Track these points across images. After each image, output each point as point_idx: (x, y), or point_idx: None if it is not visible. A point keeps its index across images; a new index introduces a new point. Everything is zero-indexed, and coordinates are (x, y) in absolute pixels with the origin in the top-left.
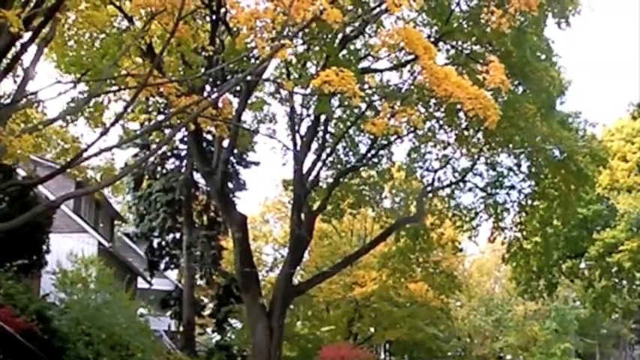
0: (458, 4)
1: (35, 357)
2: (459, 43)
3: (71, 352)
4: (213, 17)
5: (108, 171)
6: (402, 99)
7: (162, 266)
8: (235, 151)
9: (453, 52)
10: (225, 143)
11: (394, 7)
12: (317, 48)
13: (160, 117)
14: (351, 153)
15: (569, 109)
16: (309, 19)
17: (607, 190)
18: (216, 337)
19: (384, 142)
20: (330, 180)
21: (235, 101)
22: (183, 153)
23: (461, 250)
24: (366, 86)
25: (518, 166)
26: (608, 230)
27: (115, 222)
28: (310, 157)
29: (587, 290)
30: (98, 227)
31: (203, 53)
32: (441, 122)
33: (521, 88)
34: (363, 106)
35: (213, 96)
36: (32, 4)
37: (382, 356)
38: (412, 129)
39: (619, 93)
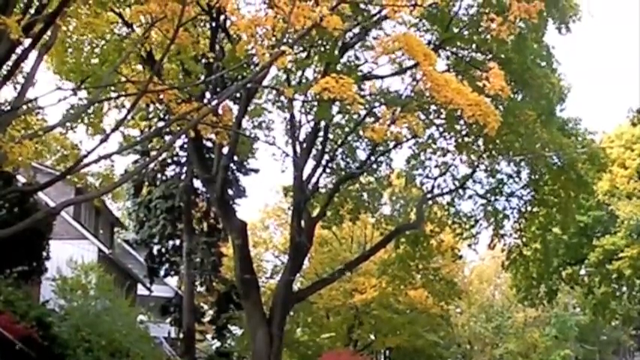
0: (457, 13)
1: None
2: (460, 49)
3: (71, 359)
4: (214, 24)
5: (108, 178)
6: (402, 105)
7: (162, 273)
8: (235, 158)
9: (453, 58)
10: (225, 150)
11: (393, 14)
12: (317, 57)
13: (160, 124)
14: (350, 159)
15: (569, 116)
16: (309, 26)
17: (607, 197)
18: (216, 343)
19: (383, 149)
20: (330, 186)
21: (235, 108)
22: (184, 160)
23: (461, 257)
24: (366, 92)
25: (518, 173)
26: (608, 237)
27: (115, 228)
28: (310, 163)
29: (587, 297)
30: (98, 234)
31: (203, 60)
32: (441, 129)
33: (521, 95)
34: (363, 112)
35: (213, 103)
36: (33, 11)
37: None
38: (412, 136)
39: (619, 99)
